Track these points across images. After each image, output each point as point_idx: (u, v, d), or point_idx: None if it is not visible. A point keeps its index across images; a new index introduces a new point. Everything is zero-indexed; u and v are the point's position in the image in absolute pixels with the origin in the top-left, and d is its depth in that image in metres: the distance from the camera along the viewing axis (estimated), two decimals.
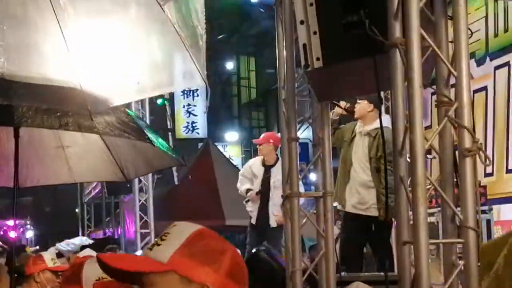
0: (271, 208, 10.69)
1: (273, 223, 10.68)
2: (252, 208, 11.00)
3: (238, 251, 2.34)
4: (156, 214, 15.01)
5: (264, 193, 10.78)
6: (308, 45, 4.24)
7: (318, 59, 4.22)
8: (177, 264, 2.01)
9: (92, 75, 4.40)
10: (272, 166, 10.77)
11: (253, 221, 11.01)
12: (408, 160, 3.77)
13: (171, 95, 20.69)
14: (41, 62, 4.32)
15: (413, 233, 3.68)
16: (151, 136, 5.22)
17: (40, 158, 5.94)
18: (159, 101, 19.07)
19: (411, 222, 3.75)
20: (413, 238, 3.68)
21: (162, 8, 4.32)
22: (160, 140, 5.60)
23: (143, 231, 14.69)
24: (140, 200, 14.70)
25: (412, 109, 3.68)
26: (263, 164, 10.90)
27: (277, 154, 10.74)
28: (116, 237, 20.80)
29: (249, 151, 30.01)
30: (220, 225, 17.97)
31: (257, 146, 11.10)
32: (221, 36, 27.03)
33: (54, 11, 4.08)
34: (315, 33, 4.21)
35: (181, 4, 4.43)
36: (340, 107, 8.30)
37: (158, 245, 2.07)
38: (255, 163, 11.06)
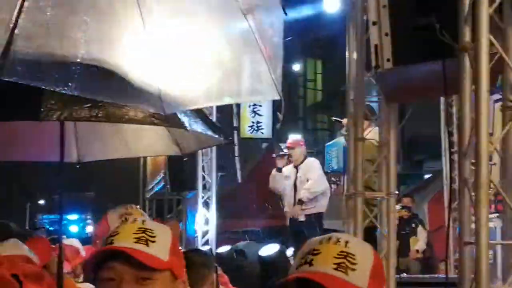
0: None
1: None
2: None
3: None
4: (218, 211, 15.06)
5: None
6: (380, 46, 4.33)
7: (388, 60, 4.30)
8: (173, 264, 2.11)
9: (169, 76, 4.31)
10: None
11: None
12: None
13: None
14: (122, 58, 4.23)
15: (475, 234, 3.76)
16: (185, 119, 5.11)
17: (98, 134, 5.90)
18: None
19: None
20: (475, 239, 3.76)
21: (245, 17, 4.22)
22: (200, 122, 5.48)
23: (205, 228, 14.67)
24: (203, 197, 14.72)
25: (479, 113, 3.75)
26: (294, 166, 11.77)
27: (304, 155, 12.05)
28: None
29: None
30: (282, 225, 18.03)
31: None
32: (288, 38, 27.09)
33: (139, 6, 4.04)
34: (386, 34, 4.30)
35: (259, 14, 4.33)
36: None
37: (153, 242, 2.10)
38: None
